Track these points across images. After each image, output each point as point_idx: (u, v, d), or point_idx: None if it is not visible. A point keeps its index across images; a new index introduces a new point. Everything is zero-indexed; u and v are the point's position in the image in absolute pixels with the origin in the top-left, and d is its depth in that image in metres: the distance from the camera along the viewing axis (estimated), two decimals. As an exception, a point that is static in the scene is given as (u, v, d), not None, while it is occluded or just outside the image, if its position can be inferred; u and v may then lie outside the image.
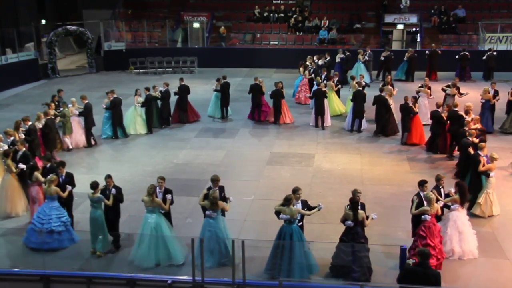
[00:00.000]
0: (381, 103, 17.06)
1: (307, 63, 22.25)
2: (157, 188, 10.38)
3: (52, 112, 15.57)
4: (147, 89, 17.79)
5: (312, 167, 14.89)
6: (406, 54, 24.68)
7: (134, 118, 17.86)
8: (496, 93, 17.59)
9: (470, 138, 13.02)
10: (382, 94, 17.41)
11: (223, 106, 19.39)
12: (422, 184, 10.00)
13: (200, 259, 8.62)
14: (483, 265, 10.06)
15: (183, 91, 18.73)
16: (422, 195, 9.87)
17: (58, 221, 10.65)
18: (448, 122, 15.21)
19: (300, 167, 14.92)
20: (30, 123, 14.48)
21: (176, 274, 9.38)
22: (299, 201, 9.76)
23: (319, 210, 9.84)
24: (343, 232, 9.67)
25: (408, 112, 16.13)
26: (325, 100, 18.30)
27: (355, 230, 9.48)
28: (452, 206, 10.29)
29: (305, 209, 9.77)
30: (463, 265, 10.06)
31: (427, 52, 24.87)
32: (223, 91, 19.21)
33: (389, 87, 18.33)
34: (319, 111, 18.15)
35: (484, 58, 24.36)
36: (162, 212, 10.28)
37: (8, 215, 12.13)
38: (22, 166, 12.04)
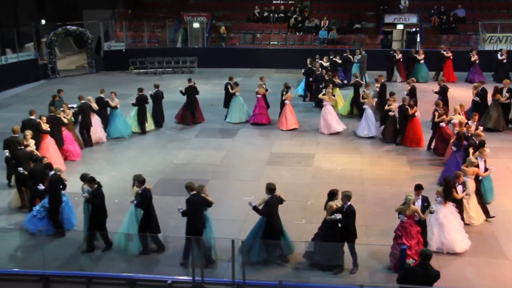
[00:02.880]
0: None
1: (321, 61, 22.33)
2: None
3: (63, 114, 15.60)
4: (141, 89, 17.72)
5: (312, 167, 14.89)
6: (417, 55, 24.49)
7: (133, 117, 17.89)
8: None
9: (475, 139, 12.89)
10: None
11: (225, 107, 19.35)
12: (417, 188, 10.12)
13: (200, 259, 8.63)
14: (483, 265, 10.06)
15: (191, 91, 18.57)
16: (421, 197, 10.04)
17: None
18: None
19: (300, 167, 14.92)
20: (51, 114, 15.04)
21: (176, 274, 9.38)
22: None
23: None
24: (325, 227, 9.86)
25: (404, 113, 15.97)
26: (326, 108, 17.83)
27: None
28: (437, 199, 10.44)
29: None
30: (463, 265, 10.07)
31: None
32: (225, 91, 19.21)
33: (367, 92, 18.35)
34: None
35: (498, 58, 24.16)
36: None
37: (18, 206, 12.30)
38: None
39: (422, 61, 24.34)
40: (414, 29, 30.34)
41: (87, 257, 10.40)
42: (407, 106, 15.94)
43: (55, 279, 8.87)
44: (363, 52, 24.50)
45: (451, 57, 24.27)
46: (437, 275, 7.71)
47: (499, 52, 24.19)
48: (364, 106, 17.23)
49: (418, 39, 29.43)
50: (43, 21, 32.50)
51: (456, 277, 9.70)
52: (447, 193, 10.36)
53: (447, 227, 10.28)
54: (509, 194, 12.93)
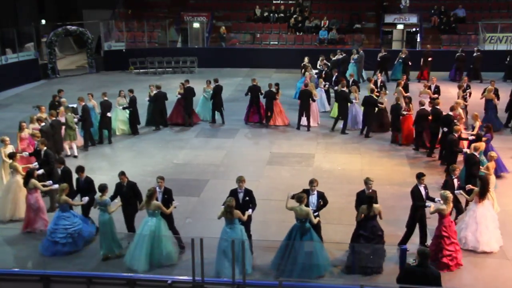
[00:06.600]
0: (370, 104, 17.01)
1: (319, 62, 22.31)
2: (157, 188, 10.37)
3: (44, 115, 15.12)
4: (131, 91, 17.69)
5: (312, 167, 14.89)
6: (400, 54, 24.55)
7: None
8: (468, 87, 18.01)
9: (455, 134, 13.25)
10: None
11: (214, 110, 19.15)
12: (419, 176, 10.19)
13: (200, 259, 8.61)
14: (483, 265, 10.07)
15: (189, 93, 18.41)
16: (421, 188, 10.10)
17: (64, 233, 10.35)
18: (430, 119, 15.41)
19: (300, 167, 14.92)
20: (54, 118, 14.79)
21: (176, 274, 9.38)
22: (315, 192, 9.98)
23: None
24: (358, 227, 9.79)
25: (397, 112, 16.21)
26: (314, 102, 18.23)
27: (372, 223, 9.69)
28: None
29: (320, 201, 9.99)
30: (463, 265, 10.06)
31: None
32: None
33: (355, 87, 18.51)
34: (302, 111, 17.90)
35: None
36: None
37: (11, 218, 11.98)
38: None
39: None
40: (414, 29, 30.34)
41: (87, 257, 10.41)
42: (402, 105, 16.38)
43: (55, 279, 8.85)
44: (361, 51, 24.48)
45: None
46: (437, 275, 7.67)
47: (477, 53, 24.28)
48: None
49: (418, 39, 29.44)
50: (43, 21, 32.54)
51: (456, 277, 9.70)
52: (483, 192, 10.41)
53: (484, 226, 10.36)
54: (509, 194, 12.93)
